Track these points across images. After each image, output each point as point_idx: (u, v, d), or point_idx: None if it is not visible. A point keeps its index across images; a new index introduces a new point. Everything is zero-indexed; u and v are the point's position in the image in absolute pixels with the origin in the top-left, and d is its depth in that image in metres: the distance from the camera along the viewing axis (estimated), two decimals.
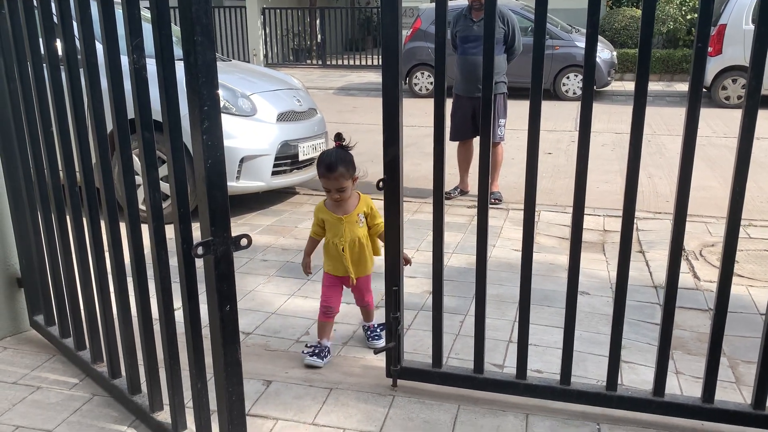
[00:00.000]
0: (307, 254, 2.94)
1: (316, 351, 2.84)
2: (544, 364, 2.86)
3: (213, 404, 2.02)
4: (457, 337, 3.14)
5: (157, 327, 2.17)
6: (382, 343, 2.90)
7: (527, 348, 2.48)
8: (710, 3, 1.97)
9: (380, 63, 2.31)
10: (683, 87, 13.37)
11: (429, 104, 2.67)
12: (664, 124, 9.69)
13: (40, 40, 2.39)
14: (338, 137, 2.74)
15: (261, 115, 5.14)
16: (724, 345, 2.31)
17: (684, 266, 4.05)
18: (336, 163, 2.66)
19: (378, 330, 3.05)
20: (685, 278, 3.88)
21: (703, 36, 2.00)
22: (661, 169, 6.95)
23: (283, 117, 5.30)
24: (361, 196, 2.85)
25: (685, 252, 4.29)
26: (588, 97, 2.16)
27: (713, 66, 11.07)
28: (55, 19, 2.27)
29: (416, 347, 3.01)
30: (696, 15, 1.94)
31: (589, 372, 2.80)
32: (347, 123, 9.78)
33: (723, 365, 2.76)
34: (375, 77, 15.36)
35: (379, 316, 3.30)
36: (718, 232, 4.75)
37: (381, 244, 2.79)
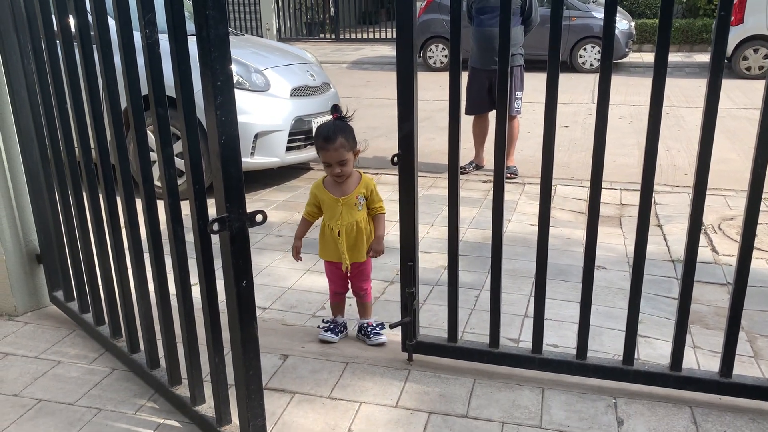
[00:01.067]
0: (297, 237, 2.74)
1: (331, 327, 2.84)
2: (560, 339, 2.85)
3: (231, 378, 2.05)
4: (473, 312, 3.14)
5: (174, 302, 2.19)
6: (383, 338, 2.80)
7: (543, 322, 2.47)
8: None
9: (394, 36, 2.28)
10: (703, 58, 13.13)
11: (443, 78, 2.64)
12: (683, 95, 9.54)
13: (53, 16, 2.38)
14: (335, 109, 2.59)
15: (275, 90, 5.12)
16: (743, 319, 2.29)
17: (702, 240, 4.01)
18: (335, 133, 2.50)
19: (377, 328, 2.83)
20: (703, 252, 3.85)
21: (726, 4, 1.94)
22: (679, 142, 6.85)
23: (296, 92, 5.28)
24: (362, 177, 2.66)
25: (703, 226, 4.24)
26: (606, 69, 2.12)
27: (734, 35, 10.85)
28: None
29: (432, 322, 3.02)
30: None
31: (606, 346, 2.79)
32: (361, 97, 9.72)
33: (741, 339, 2.74)
34: (389, 51, 15.23)
35: (394, 293, 3.31)
36: (737, 205, 4.69)
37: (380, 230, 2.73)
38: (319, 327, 2.88)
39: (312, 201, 2.71)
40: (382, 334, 2.81)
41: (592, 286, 2.38)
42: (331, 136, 2.51)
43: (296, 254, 2.74)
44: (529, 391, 2.43)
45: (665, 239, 4.11)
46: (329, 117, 2.67)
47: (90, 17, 2.16)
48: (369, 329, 2.83)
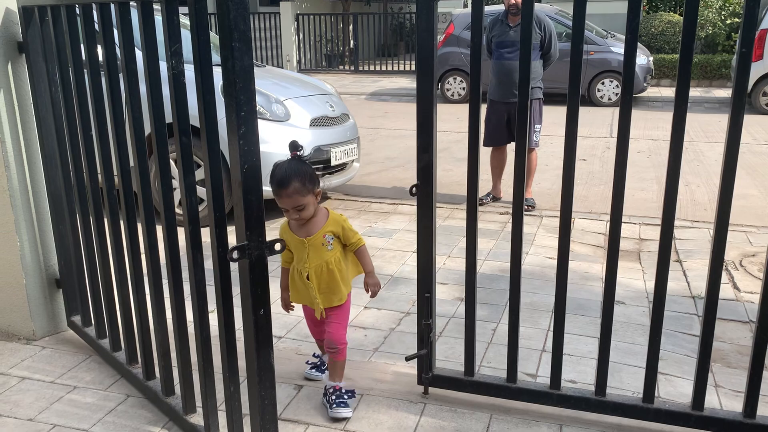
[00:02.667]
0: (283, 289, 2.55)
1: (318, 363, 2.74)
2: (578, 375, 2.81)
3: (245, 407, 2.03)
4: (490, 346, 3.11)
5: (191, 330, 2.19)
6: (347, 411, 2.42)
7: (562, 357, 2.44)
8: (755, 7, 1.92)
9: (412, 68, 2.32)
10: (722, 93, 13.10)
11: (461, 110, 2.65)
12: (702, 131, 9.50)
13: (82, 46, 2.44)
14: (294, 146, 2.35)
15: (294, 120, 5.17)
16: (766, 358, 2.24)
17: (723, 276, 3.95)
18: (289, 177, 2.27)
19: (346, 396, 2.46)
20: (724, 289, 3.79)
21: (747, 41, 1.95)
22: (699, 177, 6.80)
23: (316, 122, 5.33)
24: (330, 215, 2.45)
25: (724, 262, 4.18)
26: (627, 104, 2.12)
27: (754, 71, 10.82)
28: (96, 26, 2.31)
29: (448, 355, 2.99)
30: (736, 19, 1.89)
31: (625, 383, 2.75)
32: (379, 128, 9.79)
33: (765, 379, 2.68)
34: (407, 83, 15.38)
35: (410, 324, 3.29)
36: (759, 242, 4.63)
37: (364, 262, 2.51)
38: (307, 363, 2.76)
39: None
40: (347, 405, 2.44)
41: (611, 321, 2.34)
42: (284, 181, 2.28)
43: (286, 306, 2.57)
44: (547, 427, 2.39)
45: (685, 275, 4.06)
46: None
47: (117, 47, 2.21)
48: (333, 395, 2.45)
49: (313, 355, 2.81)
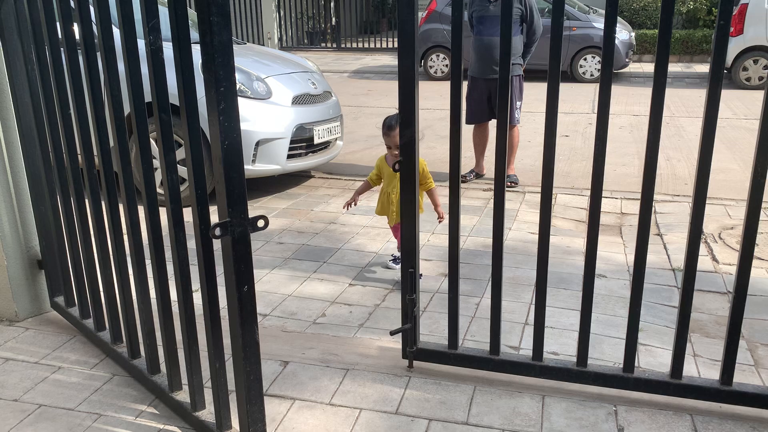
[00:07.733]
0: (357, 193, 3.66)
1: (395, 259, 3.74)
2: (560, 347, 2.85)
3: (231, 384, 2.05)
4: (473, 320, 3.14)
5: (175, 308, 2.20)
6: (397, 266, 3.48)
7: (544, 329, 2.47)
8: None
9: (395, 46, 2.31)
10: (703, 68, 13.18)
11: (444, 87, 2.65)
12: (683, 106, 9.57)
13: (57, 23, 2.40)
14: None
15: (276, 98, 5.14)
16: (743, 328, 2.29)
17: (703, 249, 4.01)
18: (397, 123, 2.83)
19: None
20: (703, 261, 3.85)
21: (725, 14, 1.96)
22: (679, 152, 6.87)
23: (298, 100, 5.30)
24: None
25: (704, 235, 4.25)
26: (606, 79, 2.13)
27: (734, 46, 10.90)
28: (72, 2, 2.28)
29: (432, 329, 3.02)
30: None
31: (606, 354, 2.80)
32: (362, 106, 9.75)
33: (742, 348, 2.74)
34: (390, 60, 15.29)
35: (394, 300, 3.32)
36: (737, 214, 4.70)
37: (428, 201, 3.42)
38: (390, 260, 3.76)
39: (376, 171, 3.59)
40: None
41: (592, 294, 2.38)
42: (393, 126, 3.29)
43: (348, 204, 3.62)
44: (530, 398, 2.44)
45: (665, 248, 4.12)
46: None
47: (94, 25, 2.17)
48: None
49: (393, 256, 3.81)
